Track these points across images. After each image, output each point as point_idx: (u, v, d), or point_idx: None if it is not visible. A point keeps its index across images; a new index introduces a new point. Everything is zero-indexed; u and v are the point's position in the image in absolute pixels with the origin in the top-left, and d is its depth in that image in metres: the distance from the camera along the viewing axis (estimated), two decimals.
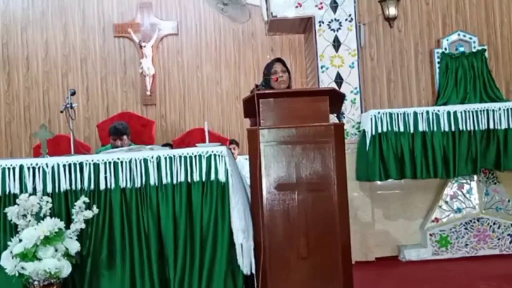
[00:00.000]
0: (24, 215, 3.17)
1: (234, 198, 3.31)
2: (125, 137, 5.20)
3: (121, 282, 3.31)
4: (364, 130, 5.02)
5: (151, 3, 7.81)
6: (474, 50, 5.76)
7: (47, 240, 3.08)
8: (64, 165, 3.35)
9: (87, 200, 3.26)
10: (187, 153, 3.39)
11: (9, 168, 3.34)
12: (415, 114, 4.92)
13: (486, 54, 5.77)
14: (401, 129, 4.90)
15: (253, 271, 3.28)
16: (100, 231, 3.34)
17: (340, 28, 5.40)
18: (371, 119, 4.90)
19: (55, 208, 3.29)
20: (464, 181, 5.20)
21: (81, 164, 3.36)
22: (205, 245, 3.31)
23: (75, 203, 3.23)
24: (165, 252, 3.34)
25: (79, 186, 3.34)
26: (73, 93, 4.02)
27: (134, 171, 3.37)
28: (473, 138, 4.90)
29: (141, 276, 3.31)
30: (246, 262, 3.28)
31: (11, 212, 3.16)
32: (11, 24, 7.69)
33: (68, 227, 3.22)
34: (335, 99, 3.49)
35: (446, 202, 5.19)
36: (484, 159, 4.91)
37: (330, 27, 5.40)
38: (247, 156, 3.52)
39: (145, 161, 3.38)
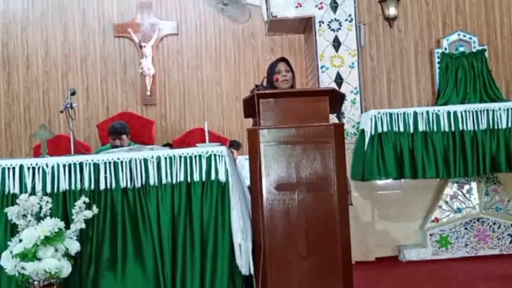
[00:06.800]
0: (24, 215, 3.17)
1: (234, 198, 3.30)
2: (124, 136, 5.20)
3: (121, 282, 3.31)
4: (362, 130, 5.01)
5: (151, 3, 7.81)
6: (474, 50, 5.77)
7: (47, 240, 3.08)
8: (64, 165, 3.34)
9: (87, 200, 3.26)
10: (187, 153, 3.38)
11: (9, 168, 3.33)
12: (415, 114, 4.90)
13: (486, 54, 5.77)
14: (401, 129, 4.89)
15: (252, 271, 3.27)
16: (100, 232, 3.33)
17: (340, 28, 5.40)
18: (371, 119, 4.89)
19: (55, 208, 3.29)
20: (464, 181, 5.19)
21: (81, 164, 3.36)
22: (206, 245, 3.30)
23: (75, 203, 3.22)
24: (165, 252, 3.34)
25: (79, 186, 3.34)
26: (73, 93, 4.02)
27: (134, 171, 3.36)
28: (473, 138, 4.89)
29: (140, 276, 3.31)
30: (244, 262, 3.27)
31: (11, 212, 3.16)
32: (11, 24, 7.69)
33: (68, 227, 3.22)
34: (335, 99, 3.49)
35: (446, 202, 5.19)
36: (485, 160, 4.89)
37: (330, 27, 5.40)
38: (247, 156, 3.51)
39: (145, 161, 3.37)
